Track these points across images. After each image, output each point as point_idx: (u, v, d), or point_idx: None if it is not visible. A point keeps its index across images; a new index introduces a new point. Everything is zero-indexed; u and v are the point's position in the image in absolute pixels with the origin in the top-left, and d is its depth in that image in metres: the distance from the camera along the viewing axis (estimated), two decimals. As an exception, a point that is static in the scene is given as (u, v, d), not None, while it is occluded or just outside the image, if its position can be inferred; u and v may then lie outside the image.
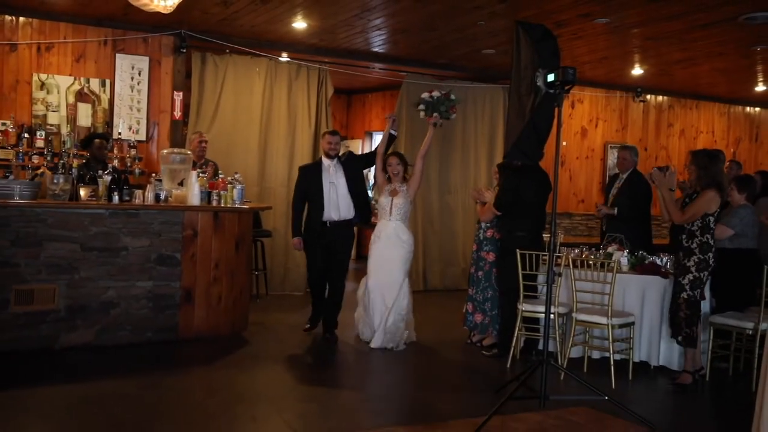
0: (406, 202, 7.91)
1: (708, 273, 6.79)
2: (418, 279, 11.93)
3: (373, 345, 7.72)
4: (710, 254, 6.77)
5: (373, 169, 8.45)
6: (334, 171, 8.12)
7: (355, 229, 8.74)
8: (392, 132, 8.28)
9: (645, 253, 7.77)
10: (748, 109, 15.02)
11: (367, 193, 8.68)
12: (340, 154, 8.44)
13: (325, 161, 8.17)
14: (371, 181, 11.98)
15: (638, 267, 7.55)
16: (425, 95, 7.97)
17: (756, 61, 11.12)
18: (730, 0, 7.89)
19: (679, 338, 6.83)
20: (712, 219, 6.78)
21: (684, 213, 6.74)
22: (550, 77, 5.69)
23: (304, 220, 8.16)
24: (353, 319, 8.26)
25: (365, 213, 8.47)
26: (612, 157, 13.43)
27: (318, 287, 8.30)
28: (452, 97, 7.94)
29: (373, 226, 8.50)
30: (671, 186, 6.96)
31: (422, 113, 8.02)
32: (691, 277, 6.76)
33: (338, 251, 8.13)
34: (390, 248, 7.85)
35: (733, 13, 8.38)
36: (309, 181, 8.10)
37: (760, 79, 12.56)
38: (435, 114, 7.90)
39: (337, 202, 8.03)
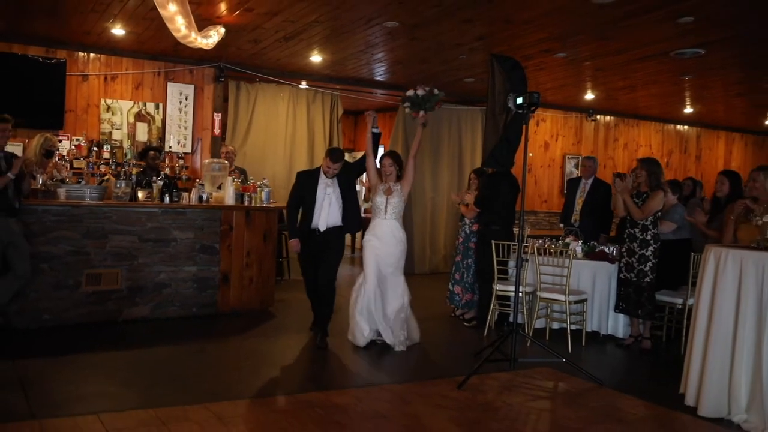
0: (400, 201, 6.73)
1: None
2: (409, 264, 11.90)
3: (370, 339, 6.55)
4: (659, 243, 6.79)
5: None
6: (331, 182, 6.69)
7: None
8: (374, 130, 6.91)
9: (596, 243, 7.77)
10: (678, 127, 14.99)
11: (358, 204, 7.27)
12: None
13: (323, 174, 6.72)
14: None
15: (590, 254, 7.55)
16: (410, 93, 6.84)
17: (684, 88, 11.12)
18: (664, 38, 7.90)
19: (640, 312, 6.82)
20: (659, 214, 6.81)
21: (642, 211, 6.73)
22: (519, 100, 5.70)
23: (300, 226, 6.80)
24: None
25: (355, 223, 7.00)
26: (569, 166, 13.45)
27: (315, 294, 6.85)
28: (435, 92, 6.82)
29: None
30: (629, 190, 6.92)
31: (407, 109, 6.96)
32: (651, 264, 6.74)
33: (328, 256, 6.66)
34: (386, 246, 6.63)
35: (666, 49, 8.39)
36: (306, 187, 6.70)
37: (688, 103, 12.56)
38: (422, 112, 6.81)
39: (328, 212, 6.65)
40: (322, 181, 6.67)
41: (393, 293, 6.64)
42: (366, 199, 12.25)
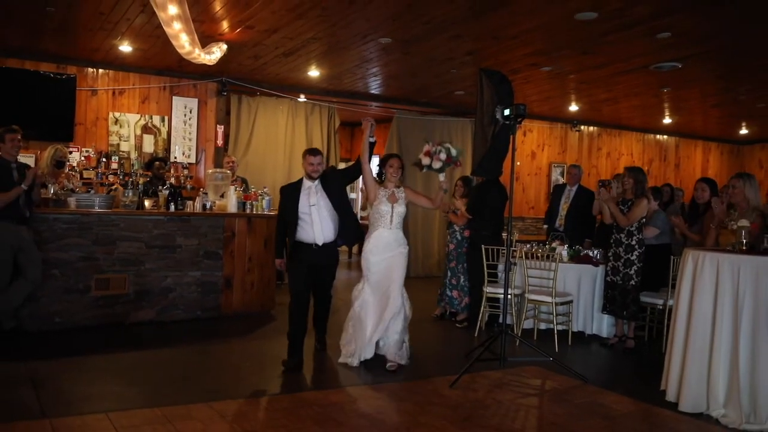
0: (404, 210, 6.02)
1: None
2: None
3: (368, 356, 5.81)
4: (644, 247, 6.79)
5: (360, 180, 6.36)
6: (315, 192, 5.86)
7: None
8: (371, 139, 6.11)
9: (580, 247, 7.77)
10: (658, 136, 15.02)
11: (353, 213, 6.35)
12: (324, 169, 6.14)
13: (306, 182, 5.92)
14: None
15: (575, 258, 7.55)
16: (426, 161, 5.97)
17: (663, 100, 11.15)
18: (643, 53, 7.93)
19: (626, 313, 6.83)
20: (644, 220, 6.81)
21: (628, 218, 6.73)
22: (507, 112, 5.71)
23: (288, 242, 6.07)
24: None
25: (353, 234, 6.19)
26: (555, 174, 13.46)
27: (300, 317, 5.79)
28: (453, 154, 5.94)
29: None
30: (614, 199, 6.90)
31: (424, 170, 6.14)
32: (636, 268, 6.75)
33: (325, 273, 6.10)
34: (392, 258, 5.88)
35: (645, 63, 8.43)
36: (289, 200, 5.92)
37: (667, 114, 12.60)
38: (441, 176, 6.00)
39: (321, 225, 5.83)
40: (305, 190, 5.90)
41: (393, 305, 5.79)
42: (363, 208, 12.18)
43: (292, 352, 5.76)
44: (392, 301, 5.80)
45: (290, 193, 5.96)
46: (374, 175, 6.13)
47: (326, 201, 5.90)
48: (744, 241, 4.98)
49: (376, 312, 5.83)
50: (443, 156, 5.92)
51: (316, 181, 5.91)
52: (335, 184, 6.03)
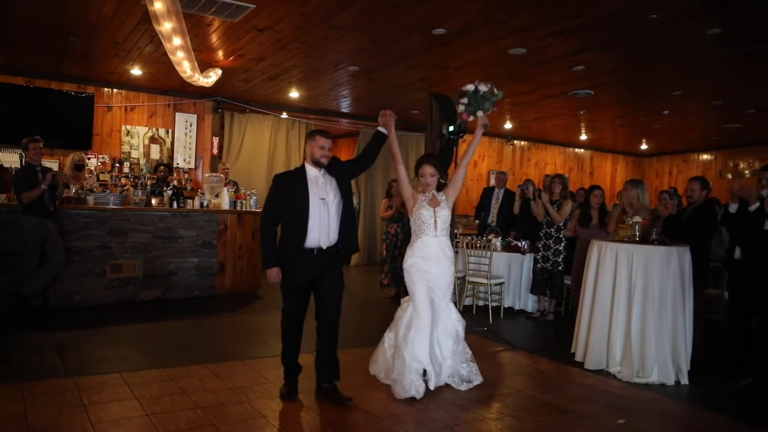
0: (449, 213, 4.46)
1: None
2: (372, 255, 12.00)
3: (437, 384, 4.34)
4: (567, 240, 7.00)
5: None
6: (324, 184, 3.93)
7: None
8: (382, 130, 4.42)
9: (511, 239, 7.94)
10: (576, 150, 15.32)
11: (355, 214, 4.60)
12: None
13: (312, 171, 3.95)
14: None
15: (507, 247, 7.72)
16: (470, 87, 4.86)
17: (580, 120, 11.40)
18: (563, 82, 8.13)
19: (553, 293, 7.05)
20: (569, 217, 7.01)
21: (560, 215, 6.95)
22: (450, 128, 5.81)
23: (281, 246, 3.96)
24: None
25: (354, 240, 4.27)
26: (493, 180, 13.62)
27: (298, 335, 4.14)
28: (496, 92, 4.89)
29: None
30: (548, 200, 7.07)
31: (462, 107, 4.98)
32: (563, 256, 6.97)
33: (330, 287, 3.99)
34: (438, 269, 4.35)
35: (565, 90, 8.63)
36: (289, 194, 3.89)
37: (583, 131, 12.86)
38: (480, 113, 4.89)
39: (328, 225, 3.89)
40: (313, 183, 3.93)
41: (445, 323, 4.44)
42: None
43: (292, 387, 4.18)
44: (445, 324, 4.42)
45: (293, 184, 3.93)
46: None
47: (336, 195, 4.00)
48: (637, 234, 5.21)
49: (427, 332, 4.28)
50: (488, 85, 4.94)
51: (323, 170, 4.00)
52: (344, 178, 4.12)
